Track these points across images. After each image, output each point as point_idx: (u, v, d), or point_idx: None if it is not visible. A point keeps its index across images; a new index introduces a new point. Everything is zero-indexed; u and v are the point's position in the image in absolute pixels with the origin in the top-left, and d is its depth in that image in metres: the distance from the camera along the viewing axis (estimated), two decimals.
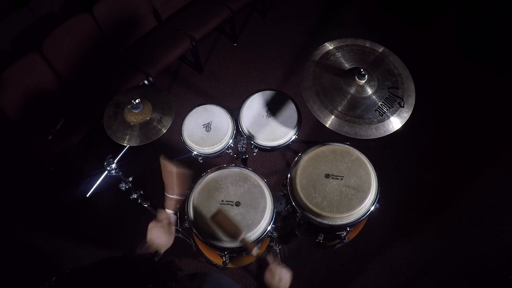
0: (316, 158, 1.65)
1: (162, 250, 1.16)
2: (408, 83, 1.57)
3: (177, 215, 1.36)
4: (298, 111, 1.81)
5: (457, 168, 2.70)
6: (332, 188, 1.57)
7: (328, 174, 1.60)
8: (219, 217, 1.44)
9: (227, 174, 1.64)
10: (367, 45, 1.67)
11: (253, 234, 1.52)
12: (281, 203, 1.74)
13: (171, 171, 1.33)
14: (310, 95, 1.55)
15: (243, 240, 1.46)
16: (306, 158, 1.66)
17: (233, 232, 1.44)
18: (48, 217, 2.66)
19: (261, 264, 1.17)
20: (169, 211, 1.28)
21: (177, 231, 1.62)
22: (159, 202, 2.22)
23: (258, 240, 1.54)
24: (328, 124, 1.51)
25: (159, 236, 1.18)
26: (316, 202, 1.54)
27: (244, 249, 1.51)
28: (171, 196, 1.32)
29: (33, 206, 2.71)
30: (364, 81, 1.51)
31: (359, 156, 1.65)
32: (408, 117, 1.51)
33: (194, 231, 1.54)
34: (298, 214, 1.62)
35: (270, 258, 1.16)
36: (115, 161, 1.54)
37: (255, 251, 1.40)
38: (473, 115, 2.94)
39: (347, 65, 1.61)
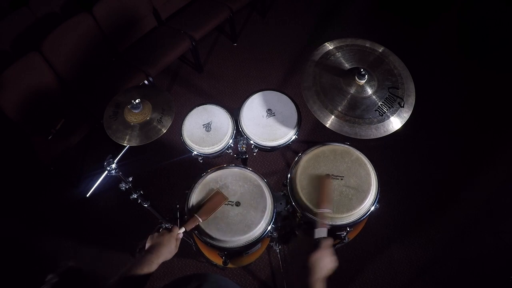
0: (316, 158, 1.65)
1: (163, 259, 1.15)
2: (408, 83, 1.57)
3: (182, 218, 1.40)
4: (298, 111, 1.81)
5: (457, 168, 2.70)
6: (332, 188, 1.57)
7: (328, 174, 1.60)
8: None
9: (227, 174, 1.64)
10: (367, 45, 1.67)
11: (253, 234, 1.52)
12: (281, 203, 1.73)
13: (221, 204, 1.52)
14: (310, 95, 1.55)
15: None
16: (306, 158, 1.65)
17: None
18: (48, 217, 2.66)
19: (315, 244, 1.15)
20: (183, 229, 1.29)
21: None
22: (159, 202, 2.23)
23: (258, 243, 1.54)
24: (328, 124, 1.51)
25: (169, 245, 1.18)
26: (316, 202, 1.54)
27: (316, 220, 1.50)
28: (199, 219, 1.40)
29: (33, 206, 2.71)
30: (364, 81, 1.51)
31: (359, 156, 1.65)
32: (408, 117, 1.51)
33: (194, 231, 1.54)
34: (298, 214, 1.62)
35: (325, 242, 1.15)
36: (115, 161, 1.53)
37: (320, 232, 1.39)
38: (473, 115, 2.94)
39: (347, 65, 1.61)
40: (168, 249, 1.17)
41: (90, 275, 0.72)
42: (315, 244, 1.15)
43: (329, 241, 1.16)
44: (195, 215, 1.41)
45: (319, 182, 1.53)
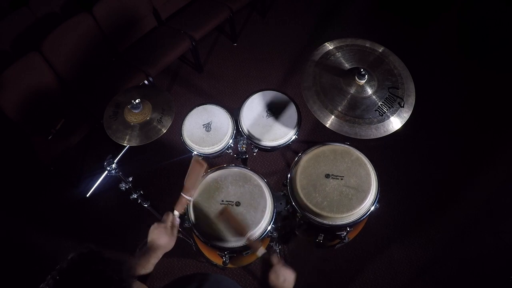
0: (316, 158, 1.65)
1: (162, 252, 1.15)
2: (408, 83, 1.57)
3: (182, 217, 1.35)
4: (298, 111, 1.81)
5: (458, 168, 2.70)
6: (332, 188, 1.57)
7: (328, 174, 1.60)
8: (226, 214, 1.39)
9: (227, 174, 1.64)
10: (367, 45, 1.67)
11: (253, 234, 1.51)
12: (281, 203, 1.73)
13: (200, 172, 1.32)
14: (310, 95, 1.56)
15: (248, 239, 1.40)
16: (306, 158, 1.66)
17: (239, 230, 1.38)
18: (48, 217, 2.66)
19: (266, 265, 1.15)
20: (176, 213, 1.25)
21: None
22: (159, 202, 2.22)
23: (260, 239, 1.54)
24: (328, 124, 1.51)
25: (161, 237, 1.16)
26: (316, 202, 1.54)
27: (249, 248, 1.46)
28: (187, 197, 1.30)
29: (33, 206, 2.71)
30: (364, 81, 1.51)
31: (359, 156, 1.65)
32: (408, 117, 1.51)
33: (195, 231, 1.54)
34: (298, 214, 1.62)
35: (274, 259, 1.14)
36: (115, 161, 1.54)
37: (260, 251, 1.30)
38: (473, 115, 2.94)
39: (347, 65, 1.61)
40: (163, 240, 1.15)
41: (110, 258, 0.76)
42: (265, 263, 1.14)
43: (273, 259, 1.15)
44: (181, 194, 1.31)
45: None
